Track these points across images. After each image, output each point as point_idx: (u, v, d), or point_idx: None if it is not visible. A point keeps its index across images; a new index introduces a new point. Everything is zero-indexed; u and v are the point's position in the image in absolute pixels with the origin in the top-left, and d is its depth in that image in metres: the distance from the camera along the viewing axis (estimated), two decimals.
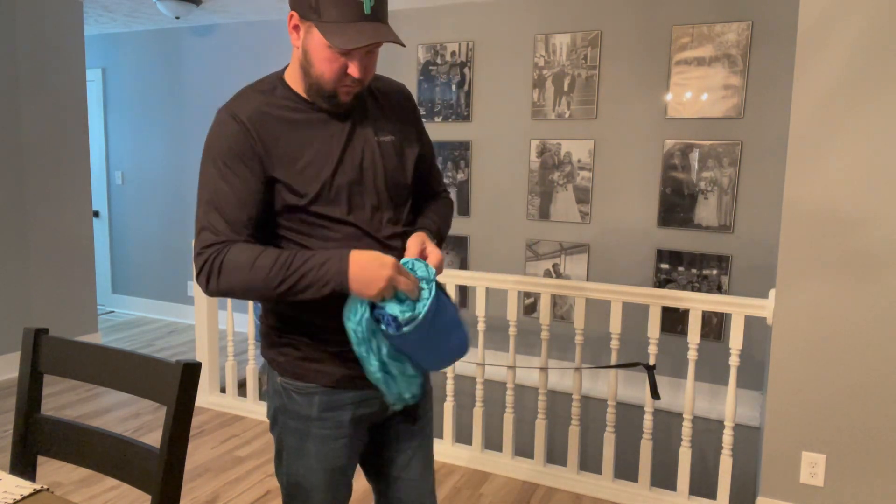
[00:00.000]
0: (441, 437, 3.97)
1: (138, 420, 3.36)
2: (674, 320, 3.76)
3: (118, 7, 4.48)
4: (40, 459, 2.87)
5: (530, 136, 4.04)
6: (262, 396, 3.49)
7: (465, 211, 4.28)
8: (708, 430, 3.63)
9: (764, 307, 2.37)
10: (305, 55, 1.18)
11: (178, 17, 4.17)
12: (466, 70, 4.17)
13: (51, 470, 2.78)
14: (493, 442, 4.05)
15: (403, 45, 1.15)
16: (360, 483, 2.73)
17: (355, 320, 1.17)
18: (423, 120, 4.31)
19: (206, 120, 5.10)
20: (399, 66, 4.40)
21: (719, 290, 3.63)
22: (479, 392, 2.89)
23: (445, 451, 2.95)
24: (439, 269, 1.22)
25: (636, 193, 3.80)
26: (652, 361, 2.51)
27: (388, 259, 1.14)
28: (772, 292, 2.37)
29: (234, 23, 4.91)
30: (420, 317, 1.16)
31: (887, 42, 2.13)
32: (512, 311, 2.77)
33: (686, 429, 2.54)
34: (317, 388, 1.28)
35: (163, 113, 5.30)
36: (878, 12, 2.13)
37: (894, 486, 2.26)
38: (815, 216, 2.27)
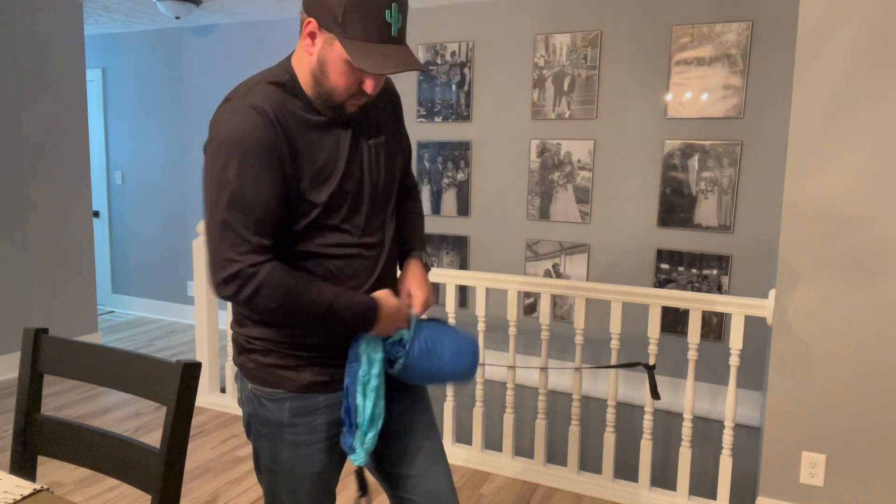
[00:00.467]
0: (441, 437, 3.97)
1: (138, 420, 3.36)
2: (674, 320, 3.76)
3: (118, 7, 4.48)
4: (40, 459, 2.87)
5: (530, 136, 4.04)
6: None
7: (465, 211, 4.28)
8: (708, 430, 3.63)
9: (764, 307, 2.37)
10: (321, 65, 1.14)
11: (178, 17, 4.17)
12: (466, 70, 4.17)
13: (51, 470, 2.78)
14: (493, 442, 4.05)
15: (424, 70, 1.15)
16: None
17: (374, 372, 1.25)
18: (424, 120, 4.32)
19: (206, 120, 5.10)
20: None
21: (719, 290, 3.63)
22: (479, 392, 2.89)
23: (446, 450, 2.94)
24: (427, 306, 1.33)
25: (636, 193, 3.80)
26: (652, 361, 2.51)
27: (404, 307, 1.28)
28: (772, 292, 2.37)
29: (234, 23, 4.91)
30: (406, 354, 1.26)
31: (887, 42, 2.13)
32: (512, 311, 2.77)
33: (686, 429, 2.54)
34: (286, 394, 1.26)
35: (163, 113, 5.30)
36: (879, 12, 2.13)
37: (894, 486, 2.26)
38: (815, 216, 2.27)
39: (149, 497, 2.61)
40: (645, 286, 2.95)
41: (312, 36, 1.13)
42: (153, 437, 3.15)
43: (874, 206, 2.19)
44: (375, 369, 1.25)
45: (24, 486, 1.14)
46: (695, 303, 2.43)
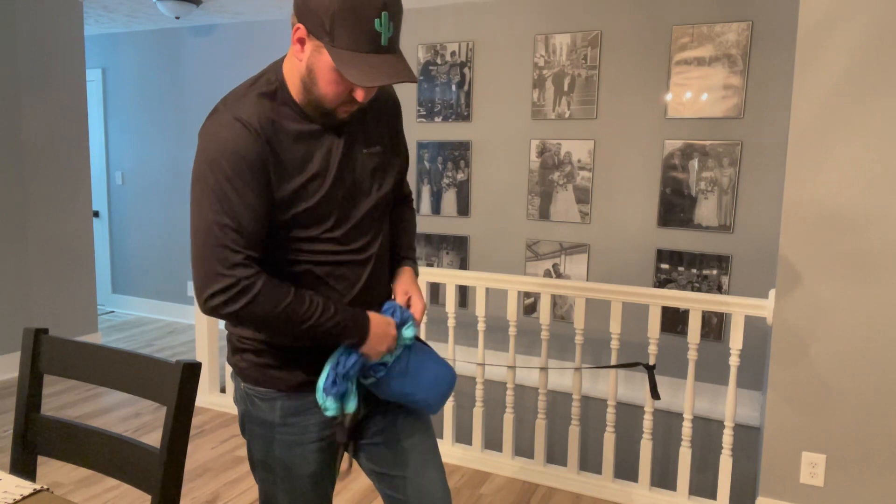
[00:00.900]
0: (441, 437, 3.97)
1: (138, 420, 3.36)
2: (674, 320, 3.76)
3: (118, 7, 4.48)
4: (40, 459, 2.87)
5: (530, 136, 4.04)
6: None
7: (465, 211, 4.28)
8: (708, 430, 3.63)
9: (764, 307, 2.37)
10: (310, 73, 1.11)
11: (178, 17, 4.17)
12: (466, 70, 4.17)
13: (51, 470, 2.78)
14: (493, 442, 4.05)
15: (416, 81, 1.10)
16: (361, 483, 2.73)
17: (350, 374, 1.25)
18: (424, 120, 4.32)
19: None
20: None
21: (719, 290, 3.63)
22: (479, 392, 2.89)
23: (445, 451, 2.95)
24: (420, 318, 1.34)
25: (636, 193, 3.80)
26: (652, 361, 2.51)
27: (393, 324, 1.25)
28: (772, 292, 2.37)
29: (234, 23, 4.91)
30: (389, 367, 1.28)
31: (887, 42, 2.13)
32: (512, 311, 2.77)
33: (686, 429, 2.54)
34: (278, 394, 1.26)
35: (163, 113, 5.30)
36: (879, 12, 2.13)
37: (894, 486, 2.26)
38: (815, 216, 2.27)
39: (149, 497, 2.61)
40: (645, 286, 2.95)
41: (302, 42, 1.10)
42: (153, 437, 3.15)
43: (874, 206, 2.19)
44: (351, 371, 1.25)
45: (24, 486, 1.14)
46: (695, 303, 2.43)
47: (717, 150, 3.56)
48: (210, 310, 1.13)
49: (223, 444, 3.07)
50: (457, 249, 4.34)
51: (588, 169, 3.89)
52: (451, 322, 2.87)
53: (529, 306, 4.15)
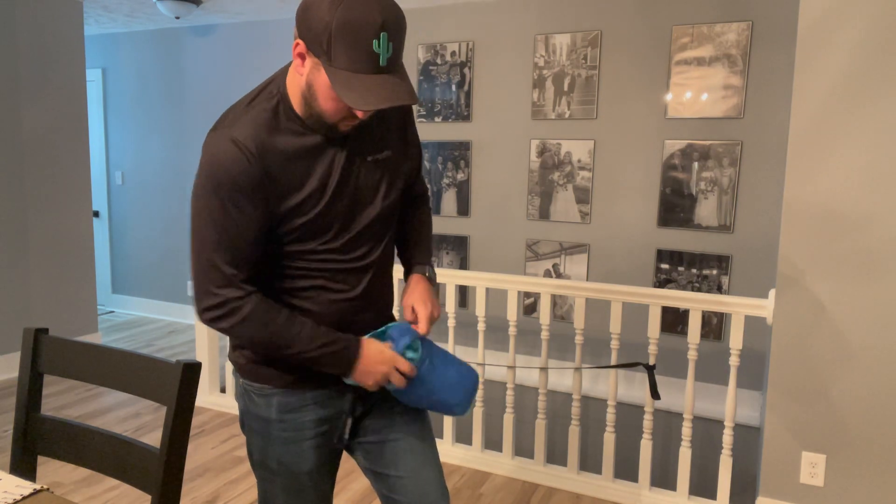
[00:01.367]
0: (441, 437, 3.97)
1: (138, 420, 3.36)
2: (674, 320, 3.76)
3: (118, 7, 4.48)
4: (40, 459, 2.87)
5: (530, 136, 4.04)
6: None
7: (465, 211, 4.28)
8: (708, 430, 3.63)
9: (764, 307, 2.37)
10: (309, 88, 1.10)
11: (178, 17, 4.17)
12: (466, 70, 4.17)
13: (51, 470, 2.78)
14: (493, 442, 4.05)
15: (416, 103, 1.09)
16: (361, 483, 2.73)
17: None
18: (424, 120, 4.32)
19: (207, 120, 5.10)
20: None
21: (719, 290, 3.63)
22: (479, 392, 2.89)
23: (445, 451, 2.95)
24: (433, 321, 1.32)
25: (636, 193, 3.80)
26: (652, 361, 2.51)
27: (389, 354, 1.23)
28: (772, 292, 2.37)
29: (234, 23, 4.91)
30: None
31: (887, 42, 2.13)
32: (512, 311, 2.77)
33: (686, 429, 2.54)
34: (273, 390, 1.27)
35: (163, 113, 5.30)
36: (879, 12, 2.13)
37: (894, 486, 2.26)
38: (815, 216, 2.27)
39: (149, 497, 2.61)
40: (645, 286, 2.95)
41: (302, 57, 1.09)
42: (153, 437, 3.15)
43: (874, 206, 2.19)
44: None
45: (24, 486, 1.14)
46: (695, 303, 2.43)
47: (717, 150, 3.56)
48: (205, 322, 1.18)
49: (223, 444, 3.07)
50: (457, 249, 4.34)
51: (588, 169, 3.89)
52: (451, 322, 2.87)
53: (529, 306, 4.15)
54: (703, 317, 3.66)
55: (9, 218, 3.89)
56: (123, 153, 5.54)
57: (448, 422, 2.95)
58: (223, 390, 3.63)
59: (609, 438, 2.68)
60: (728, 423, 2.46)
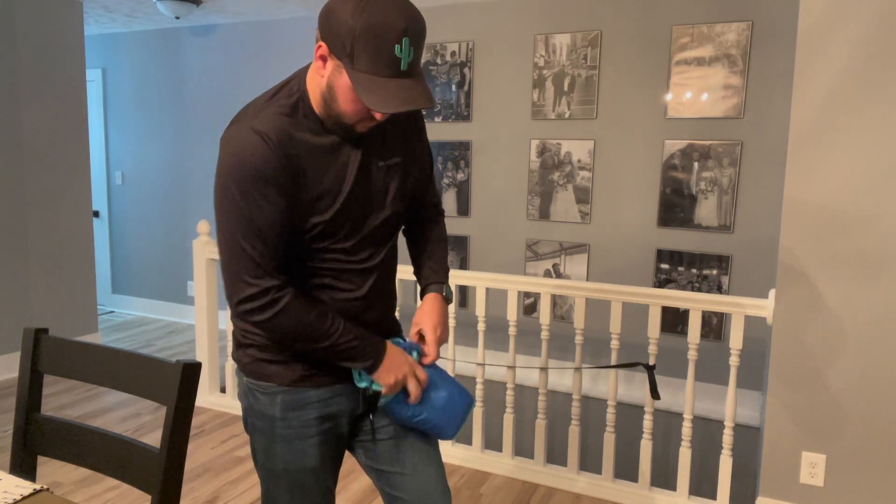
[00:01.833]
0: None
1: (138, 420, 3.36)
2: (674, 320, 3.76)
3: (118, 7, 4.48)
4: (40, 459, 2.87)
5: (530, 136, 4.04)
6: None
7: (465, 211, 4.28)
8: (708, 430, 3.63)
9: (764, 307, 2.37)
10: (330, 90, 1.13)
11: (178, 17, 4.17)
12: (466, 70, 4.17)
13: (51, 470, 2.78)
14: (493, 442, 4.05)
15: (433, 107, 1.12)
16: (361, 483, 2.73)
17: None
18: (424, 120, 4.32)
19: (207, 120, 5.10)
20: None
21: (719, 290, 3.63)
22: (479, 392, 2.89)
23: (445, 451, 2.95)
24: (441, 343, 1.34)
25: (636, 193, 3.80)
26: (652, 361, 2.51)
27: (410, 358, 1.28)
28: (772, 292, 2.37)
29: (234, 23, 4.91)
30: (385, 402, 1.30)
31: (888, 42, 2.13)
32: (512, 311, 2.77)
33: (686, 429, 2.54)
34: (278, 388, 1.28)
35: (163, 113, 5.30)
36: (879, 12, 2.13)
37: (894, 486, 2.26)
38: (815, 216, 2.27)
39: (149, 497, 2.61)
40: (645, 286, 2.95)
41: (323, 59, 1.11)
42: (153, 437, 3.15)
43: (874, 206, 2.19)
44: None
45: (24, 486, 1.14)
46: (695, 303, 2.43)
47: (717, 150, 3.56)
48: (240, 314, 1.18)
49: (223, 444, 3.07)
50: (457, 249, 4.34)
51: (588, 169, 3.89)
52: (451, 322, 2.87)
53: (529, 306, 4.15)
54: (703, 317, 3.66)
55: (9, 218, 3.89)
56: (123, 153, 5.54)
57: None
58: (223, 390, 3.63)
59: (609, 438, 2.68)
60: (728, 423, 2.46)
